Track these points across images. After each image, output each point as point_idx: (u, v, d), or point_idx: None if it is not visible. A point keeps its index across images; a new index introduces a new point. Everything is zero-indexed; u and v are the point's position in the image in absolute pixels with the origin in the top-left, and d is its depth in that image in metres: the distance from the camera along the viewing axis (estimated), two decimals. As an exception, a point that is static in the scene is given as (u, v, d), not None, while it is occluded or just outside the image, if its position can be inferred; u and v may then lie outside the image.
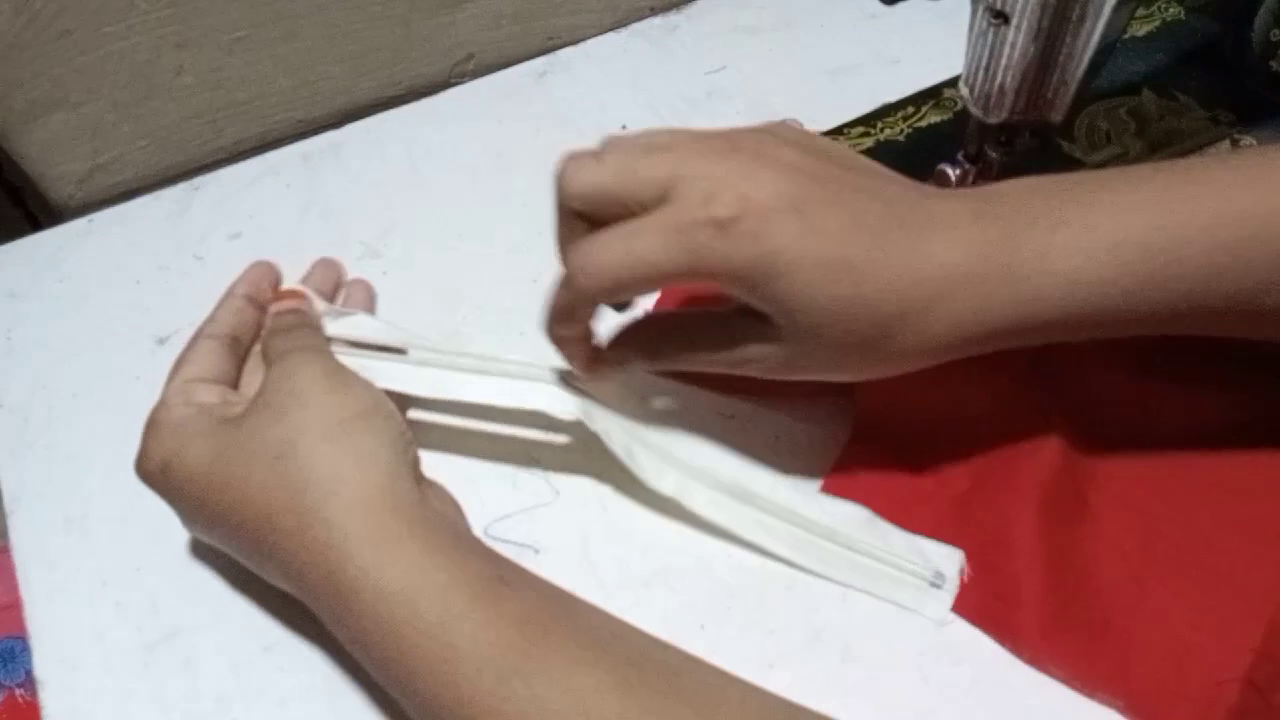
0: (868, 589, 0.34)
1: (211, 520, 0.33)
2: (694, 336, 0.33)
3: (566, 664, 0.28)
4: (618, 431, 0.36)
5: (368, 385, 0.34)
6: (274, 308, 0.39)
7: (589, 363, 0.35)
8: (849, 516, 0.36)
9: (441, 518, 0.32)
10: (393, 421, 0.33)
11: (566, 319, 0.33)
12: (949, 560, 0.35)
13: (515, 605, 0.29)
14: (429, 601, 0.29)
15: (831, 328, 0.30)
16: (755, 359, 0.32)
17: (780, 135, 0.31)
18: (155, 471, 0.33)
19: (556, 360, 0.35)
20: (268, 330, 0.38)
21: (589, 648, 0.29)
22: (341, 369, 0.35)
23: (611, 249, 0.30)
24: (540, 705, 0.27)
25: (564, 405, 0.36)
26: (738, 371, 0.33)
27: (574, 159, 0.31)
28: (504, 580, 0.30)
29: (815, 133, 0.32)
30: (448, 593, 0.29)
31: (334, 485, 0.30)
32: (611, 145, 0.31)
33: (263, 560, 0.32)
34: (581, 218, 0.31)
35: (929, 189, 0.32)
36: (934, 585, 0.34)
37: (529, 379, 0.37)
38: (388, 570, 0.29)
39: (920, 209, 0.30)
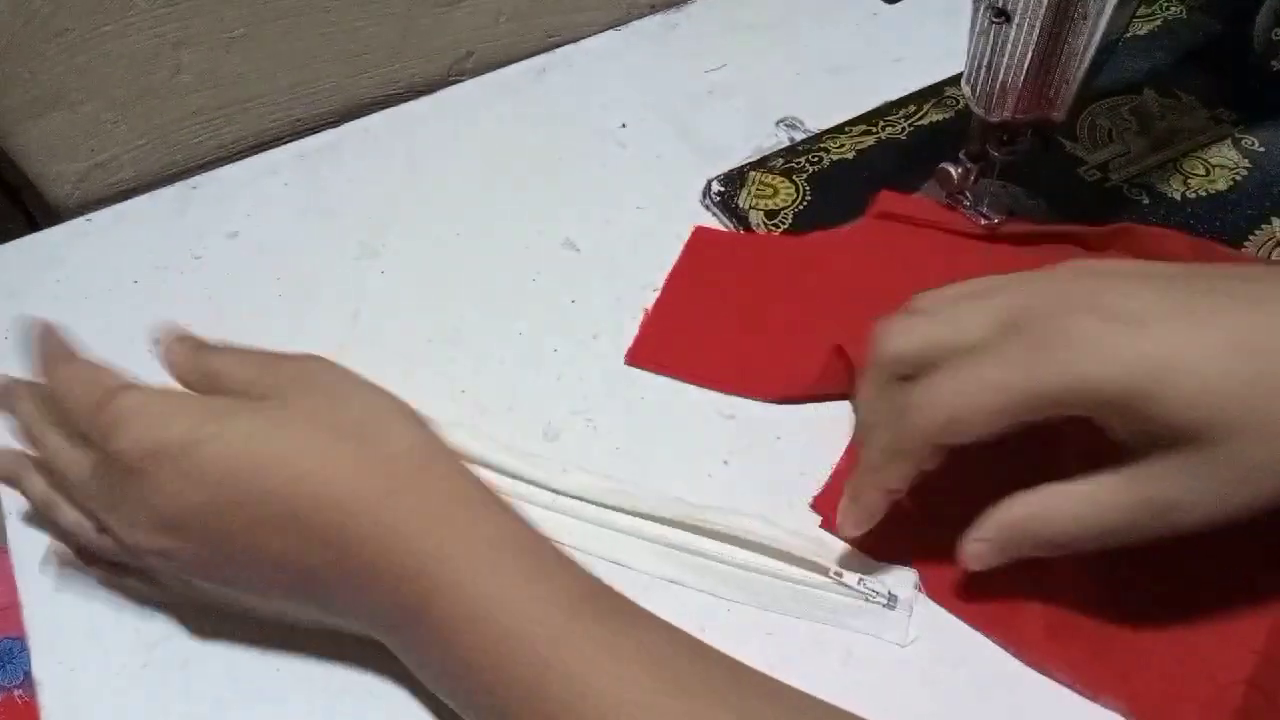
0: (825, 620, 0.34)
1: (245, 499, 0.30)
2: (1080, 513, 0.29)
3: (633, 616, 0.29)
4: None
5: None
6: (169, 342, 0.35)
7: (874, 521, 0.33)
8: (805, 541, 0.35)
9: None
10: None
11: (888, 462, 0.32)
12: (902, 581, 0.34)
13: (584, 570, 0.30)
14: (513, 552, 0.29)
15: (1256, 415, 0.25)
16: (1174, 503, 0.27)
17: (1092, 263, 0.31)
18: (174, 445, 0.30)
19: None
20: (191, 362, 0.34)
21: (654, 616, 0.29)
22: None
23: (959, 379, 0.29)
24: (609, 645, 0.27)
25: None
26: (1153, 532, 0.28)
27: (892, 323, 0.32)
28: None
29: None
30: (529, 543, 0.30)
31: (421, 458, 0.31)
32: (928, 300, 0.32)
33: (316, 526, 0.30)
34: (894, 380, 0.31)
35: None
36: (887, 607, 0.33)
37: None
38: (478, 523, 0.30)
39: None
